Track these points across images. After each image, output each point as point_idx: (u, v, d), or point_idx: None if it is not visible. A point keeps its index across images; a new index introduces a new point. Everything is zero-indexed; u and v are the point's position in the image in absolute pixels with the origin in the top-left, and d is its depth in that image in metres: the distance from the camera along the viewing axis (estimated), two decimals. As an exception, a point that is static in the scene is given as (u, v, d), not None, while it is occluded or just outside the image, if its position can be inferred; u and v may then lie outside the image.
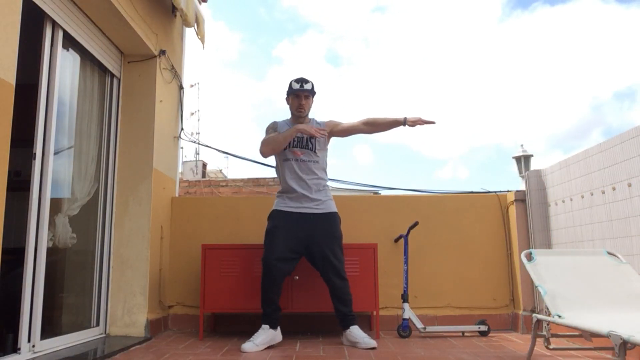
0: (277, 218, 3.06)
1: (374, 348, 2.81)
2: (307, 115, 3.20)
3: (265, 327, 2.89)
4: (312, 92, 3.15)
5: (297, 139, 3.11)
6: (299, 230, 3.00)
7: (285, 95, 3.21)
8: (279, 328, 2.96)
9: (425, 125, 3.07)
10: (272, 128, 3.20)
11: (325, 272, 3.00)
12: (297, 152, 3.10)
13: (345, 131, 3.22)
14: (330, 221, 3.06)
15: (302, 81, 3.12)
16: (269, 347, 2.88)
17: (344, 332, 2.97)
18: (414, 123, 3.07)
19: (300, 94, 3.11)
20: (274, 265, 2.93)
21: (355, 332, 2.92)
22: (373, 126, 3.18)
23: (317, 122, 3.22)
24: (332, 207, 3.11)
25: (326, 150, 3.21)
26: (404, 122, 3.09)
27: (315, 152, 3.12)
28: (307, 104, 3.15)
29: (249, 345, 2.77)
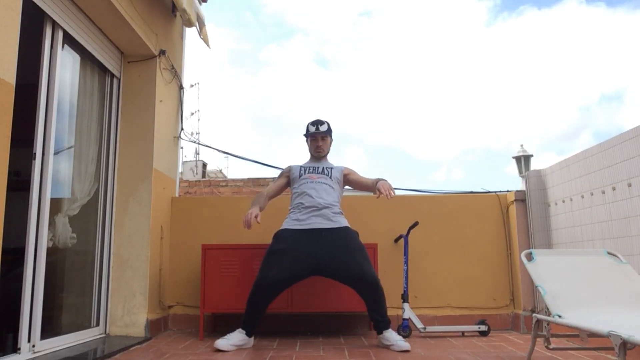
0: (284, 240, 2.95)
1: (407, 351, 2.74)
2: (326, 155, 3.31)
3: (242, 331, 2.88)
4: (328, 133, 3.25)
5: (312, 167, 3.21)
6: (308, 254, 2.89)
7: (305, 138, 3.32)
8: (253, 336, 2.95)
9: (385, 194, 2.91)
10: (283, 174, 3.32)
11: (352, 284, 2.89)
12: (313, 177, 3.16)
13: (354, 183, 3.28)
14: (343, 234, 2.97)
15: (317, 123, 3.23)
16: (268, 348, 2.88)
17: (378, 336, 2.92)
18: (380, 191, 2.92)
19: (317, 136, 3.23)
20: (271, 288, 2.85)
21: (388, 335, 2.86)
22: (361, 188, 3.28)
23: (332, 166, 3.26)
24: (344, 222, 3.05)
25: (342, 186, 3.26)
26: (374, 186, 3.05)
27: (331, 177, 3.17)
28: (324, 144, 3.27)
29: (222, 342, 2.78)
